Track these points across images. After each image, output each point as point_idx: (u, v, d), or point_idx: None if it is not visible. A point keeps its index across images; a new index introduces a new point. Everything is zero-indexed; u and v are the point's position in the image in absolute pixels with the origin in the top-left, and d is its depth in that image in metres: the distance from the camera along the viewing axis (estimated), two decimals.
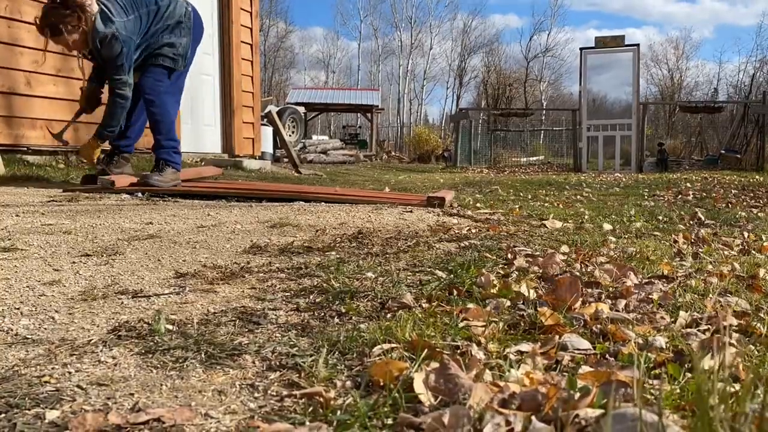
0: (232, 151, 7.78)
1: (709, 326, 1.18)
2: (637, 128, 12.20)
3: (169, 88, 3.93)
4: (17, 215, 2.57)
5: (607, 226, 2.82)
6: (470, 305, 1.29)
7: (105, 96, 3.87)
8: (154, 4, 3.76)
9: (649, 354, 1.00)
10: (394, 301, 1.33)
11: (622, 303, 1.37)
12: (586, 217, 3.25)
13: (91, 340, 1.08)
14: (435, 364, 0.92)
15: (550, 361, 1.00)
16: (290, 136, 12.05)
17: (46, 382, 0.90)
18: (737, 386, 0.82)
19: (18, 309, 1.26)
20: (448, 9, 44.62)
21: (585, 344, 1.08)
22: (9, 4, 4.90)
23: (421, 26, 38.87)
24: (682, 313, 1.28)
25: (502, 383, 0.86)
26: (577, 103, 12.72)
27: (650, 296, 1.44)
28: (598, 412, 0.73)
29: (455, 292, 1.43)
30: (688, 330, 1.17)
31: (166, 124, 3.90)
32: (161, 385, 0.90)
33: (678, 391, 0.85)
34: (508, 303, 1.33)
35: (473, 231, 2.53)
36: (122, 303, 1.33)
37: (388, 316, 1.25)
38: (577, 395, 0.80)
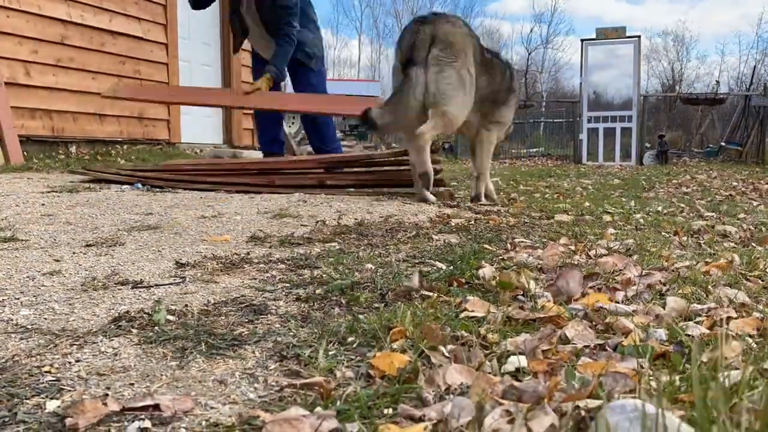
0: (232, 141, 7.77)
1: (709, 318, 1.18)
2: (637, 120, 12.16)
3: None
4: (17, 205, 2.57)
5: (607, 218, 2.82)
6: (470, 296, 1.29)
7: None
8: None
9: (649, 345, 1.00)
10: (394, 291, 1.33)
11: (621, 294, 1.37)
12: (586, 208, 3.25)
13: (91, 330, 1.08)
14: (436, 355, 0.92)
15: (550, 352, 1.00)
16: (290, 127, 12.02)
17: (46, 372, 0.90)
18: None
19: (18, 299, 1.26)
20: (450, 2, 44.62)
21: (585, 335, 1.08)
22: None
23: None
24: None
25: (502, 374, 0.86)
26: (578, 95, 12.68)
27: (650, 288, 1.44)
28: (599, 402, 0.73)
29: (455, 284, 1.42)
30: (688, 322, 1.17)
31: None
32: (161, 375, 0.90)
33: (678, 382, 0.85)
34: (508, 294, 1.33)
35: (473, 222, 2.52)
36: (122, 293, 1.33)
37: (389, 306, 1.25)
38: (578, 386, 0.80)
